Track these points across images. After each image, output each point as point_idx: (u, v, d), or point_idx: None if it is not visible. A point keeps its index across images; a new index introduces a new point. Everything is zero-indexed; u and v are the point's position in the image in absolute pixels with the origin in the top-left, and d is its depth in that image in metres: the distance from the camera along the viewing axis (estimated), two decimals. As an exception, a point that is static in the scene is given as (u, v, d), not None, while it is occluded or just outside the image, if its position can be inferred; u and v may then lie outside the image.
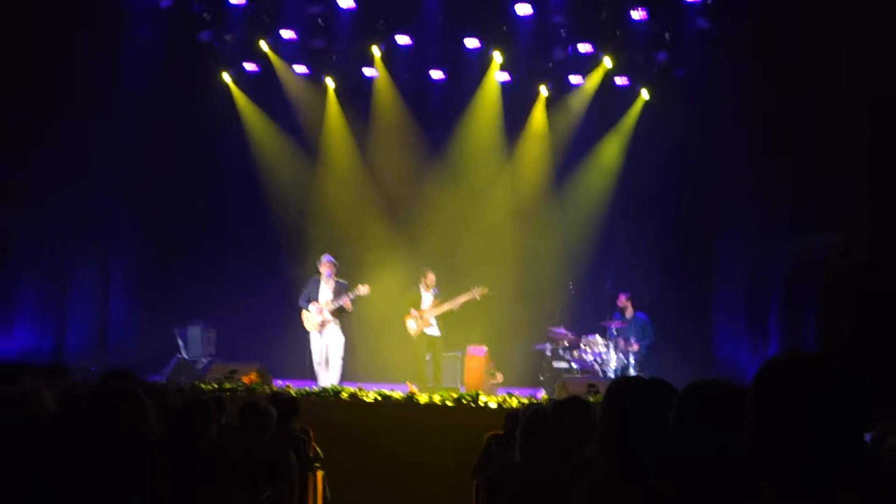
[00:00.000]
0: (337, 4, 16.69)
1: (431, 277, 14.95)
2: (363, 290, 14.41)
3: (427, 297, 14.92)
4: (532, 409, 5.83)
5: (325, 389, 12.98)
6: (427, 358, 14.90)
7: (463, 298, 14.83)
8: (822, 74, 14.35)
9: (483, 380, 14.85)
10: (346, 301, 14.37)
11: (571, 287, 16.47)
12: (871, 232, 14.15)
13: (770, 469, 2.40)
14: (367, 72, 17.73)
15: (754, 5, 15.33)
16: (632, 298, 15.77)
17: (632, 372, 15.12)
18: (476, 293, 14.85)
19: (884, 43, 13.60)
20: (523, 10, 16.42)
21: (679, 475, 3.35)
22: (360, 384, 13.33)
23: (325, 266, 14.56)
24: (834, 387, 2.37)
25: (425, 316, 14.80)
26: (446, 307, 14.83)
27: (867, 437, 2.51)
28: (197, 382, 13.27)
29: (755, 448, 2.45)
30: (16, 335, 15.64)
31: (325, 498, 10.10)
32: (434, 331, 14.89)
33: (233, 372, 13.45)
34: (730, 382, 3.67)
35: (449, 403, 12.38)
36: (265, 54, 17.44)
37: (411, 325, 14.84)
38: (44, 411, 5.19)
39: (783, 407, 2.39)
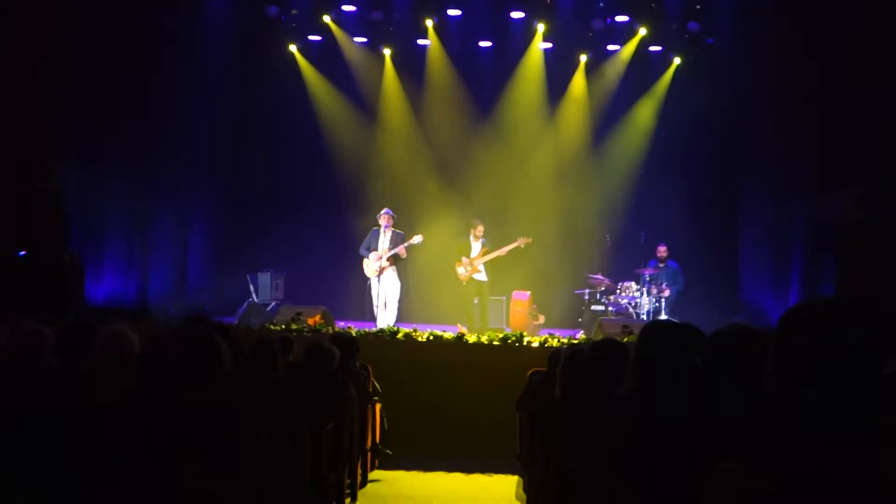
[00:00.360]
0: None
1: (480, 228, 14.84)
2: (417, 239, 14.39)
3: (476, 246, 14.82)
4: (571, 349, 5.78)
5: (382, 330, 13.00)
6: (475, 301, 14.83)
7: (509, 247, 14.76)
8: (843, 42, 14.16)
9: (526, 321, 14.89)
10: (401, 249, 14.36)
11: (608, 238, 16.37)
12: (885, 189, 14.05)
13: (790, 426, 2.33)
14: (421, 42, 17.67)
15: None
16: (669, 248, 15.73)
17: (663, 315, 15.08)
18: (521, 242, 14.76)
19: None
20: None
21: (705, 413, 3.33)
22: (414, 325, 13.36)
23: (384, 218, 14.54)
24: (849, 331, 2.32)
25: (474, 263, 14.73)
26: (493, 255, 14.75)
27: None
28: (266, 324, 13.33)
29: (776, 397, 2.39)
30: (104, 281, 15.84)
31: (382, 428, 10.19)
32: (482, 276, 14.80)
33: (299, 314, 13.50)
34: (754, 328, 3.64)
35: (495, 343, 12.37)
36: (328, 26, 17.40)
37: (461, 271, 14.77)
38: (129, 352, 5.23)
39: (802, 351, 2.34)
